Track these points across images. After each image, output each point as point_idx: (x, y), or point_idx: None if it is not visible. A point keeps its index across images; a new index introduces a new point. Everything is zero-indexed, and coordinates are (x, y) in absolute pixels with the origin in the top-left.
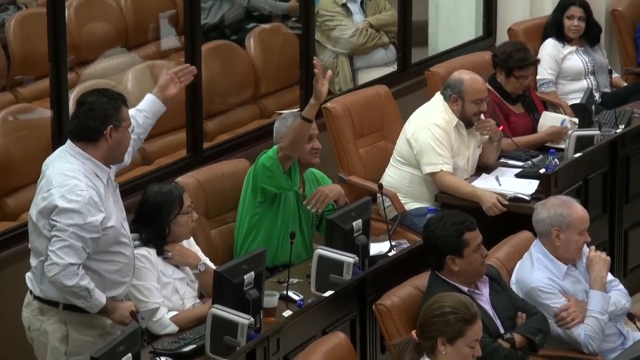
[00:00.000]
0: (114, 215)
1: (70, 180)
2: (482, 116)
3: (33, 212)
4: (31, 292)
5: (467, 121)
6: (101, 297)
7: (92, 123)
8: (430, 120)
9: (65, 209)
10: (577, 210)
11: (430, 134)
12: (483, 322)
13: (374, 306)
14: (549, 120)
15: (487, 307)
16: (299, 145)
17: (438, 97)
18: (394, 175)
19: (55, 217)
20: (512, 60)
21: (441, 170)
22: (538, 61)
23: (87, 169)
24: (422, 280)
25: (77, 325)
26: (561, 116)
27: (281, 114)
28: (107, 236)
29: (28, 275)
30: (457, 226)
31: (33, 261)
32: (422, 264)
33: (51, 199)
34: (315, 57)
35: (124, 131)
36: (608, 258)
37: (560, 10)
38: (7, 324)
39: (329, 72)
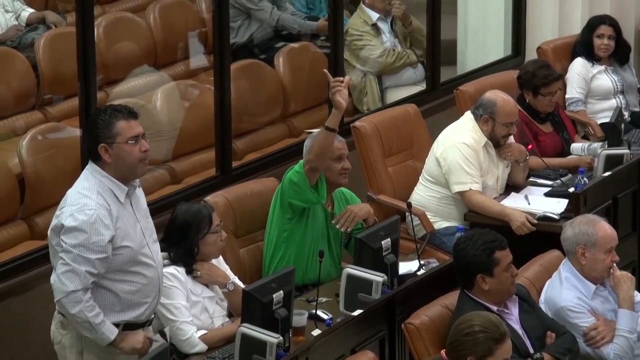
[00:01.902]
0: (131, 235)
1: (83, 198)
2: (512, 138)
3: (49, 230)
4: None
5: (496, 142)
6: (110, 333)
7: (88, 144)
8: (459, 139)
9: (71, 227)
10: (603, 228)
11: (459, 153)
12: (512, 341)
13: (403, 325)
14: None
15: (517, 326)
16: (324, 156)
17: (468, 115)
18: (423, 194)
19: (62, 236)
20: (536, 78)
21: (470, 189)
22: (562, 76)
23: (103, 187)
24: (451, 299)
25: (92, 342)
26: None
27: (311, 132)
28: (122, 256)
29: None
30: (488, 245)
31: (52, 276)
32: (451, 283)
33: (61, 217)
34: (324, 70)
35: (120, 147)
36: (634, 277)
37: (589, 29)
38: (35, 342)
39: (347, 78)
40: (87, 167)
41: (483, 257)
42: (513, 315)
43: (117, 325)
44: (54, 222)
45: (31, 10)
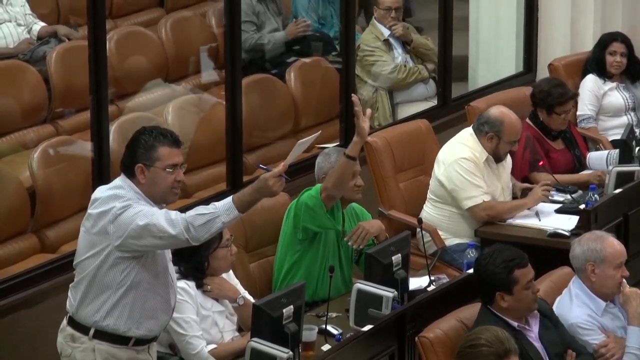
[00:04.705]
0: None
1: (116, 190)
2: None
3: (92, 227)
4: (67, 315)
5: (497, 158)
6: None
7: (126, 159)
8: (457, 155)
9: (113, 195)
10: (611, 244)
11: (462, 168)
12: (532, 358)
13: (416, 338)
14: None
15: (537, 344)
16: (343, 184)
17: (467, 131)
18: (432, 213)
19: (107, 208)
20: (551, 97)
21: (483, 201)
22: (577, 94)
23: (137, 197)
24: (466, 313)
25: (106, 355)
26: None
27: (323, 148)
28: (153, 264)
29: (69, 293)
30: (507, 263)
31: (79, 281)
32: (462, 299)
33: (99, 202)
34: (353, 94)
35: (157, 171)
36: None
37: (601, 46)
38: (45, 355)
39: (369, 110)
40: (118, 178)
41: (502, 275)
42: (533, 332)
43: (129, 338)
44: (96, 212)
45: (43, 23)
